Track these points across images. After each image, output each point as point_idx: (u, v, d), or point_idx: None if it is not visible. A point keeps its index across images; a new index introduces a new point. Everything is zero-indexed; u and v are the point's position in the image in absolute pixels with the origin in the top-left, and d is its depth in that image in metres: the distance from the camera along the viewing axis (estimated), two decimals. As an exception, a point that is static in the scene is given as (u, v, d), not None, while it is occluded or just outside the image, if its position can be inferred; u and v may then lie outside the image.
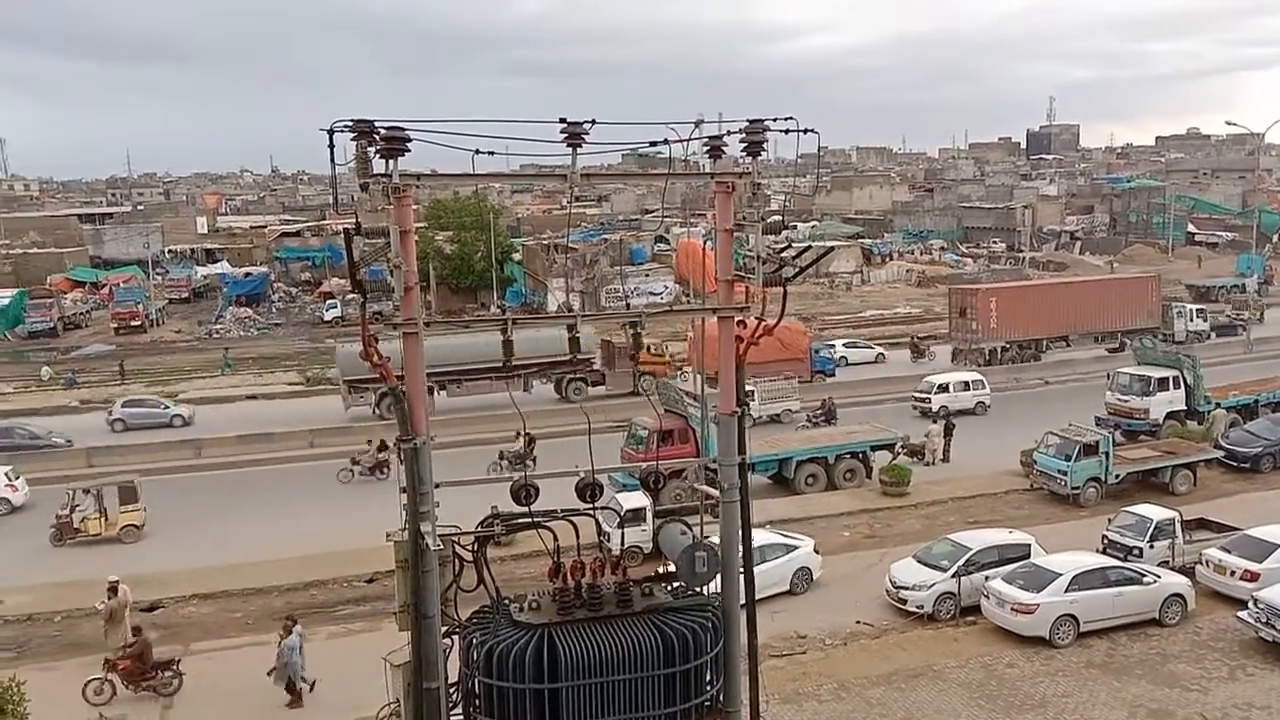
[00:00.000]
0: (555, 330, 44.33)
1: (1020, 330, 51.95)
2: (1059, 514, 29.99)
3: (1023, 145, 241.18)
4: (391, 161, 8.81)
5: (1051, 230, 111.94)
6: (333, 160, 8.62)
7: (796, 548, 24.83)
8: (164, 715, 19.91)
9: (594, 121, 9.04)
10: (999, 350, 51.59)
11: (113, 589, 22.31)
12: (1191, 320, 57.71)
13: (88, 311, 75.38)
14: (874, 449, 34.19)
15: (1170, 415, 37.04)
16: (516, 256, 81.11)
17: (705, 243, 49.23)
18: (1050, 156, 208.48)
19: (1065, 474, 30.43)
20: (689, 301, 56.51)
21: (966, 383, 43.64)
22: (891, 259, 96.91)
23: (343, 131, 8.57)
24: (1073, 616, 21.30)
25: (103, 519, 29.98)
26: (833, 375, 50.67)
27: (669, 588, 9.95)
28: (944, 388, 42.93)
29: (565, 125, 8.98)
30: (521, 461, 29.10)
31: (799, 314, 64.42)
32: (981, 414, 42.29)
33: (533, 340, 44.01)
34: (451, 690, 9.95)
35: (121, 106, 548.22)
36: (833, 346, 55.62)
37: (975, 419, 40.51)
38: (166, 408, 45.75)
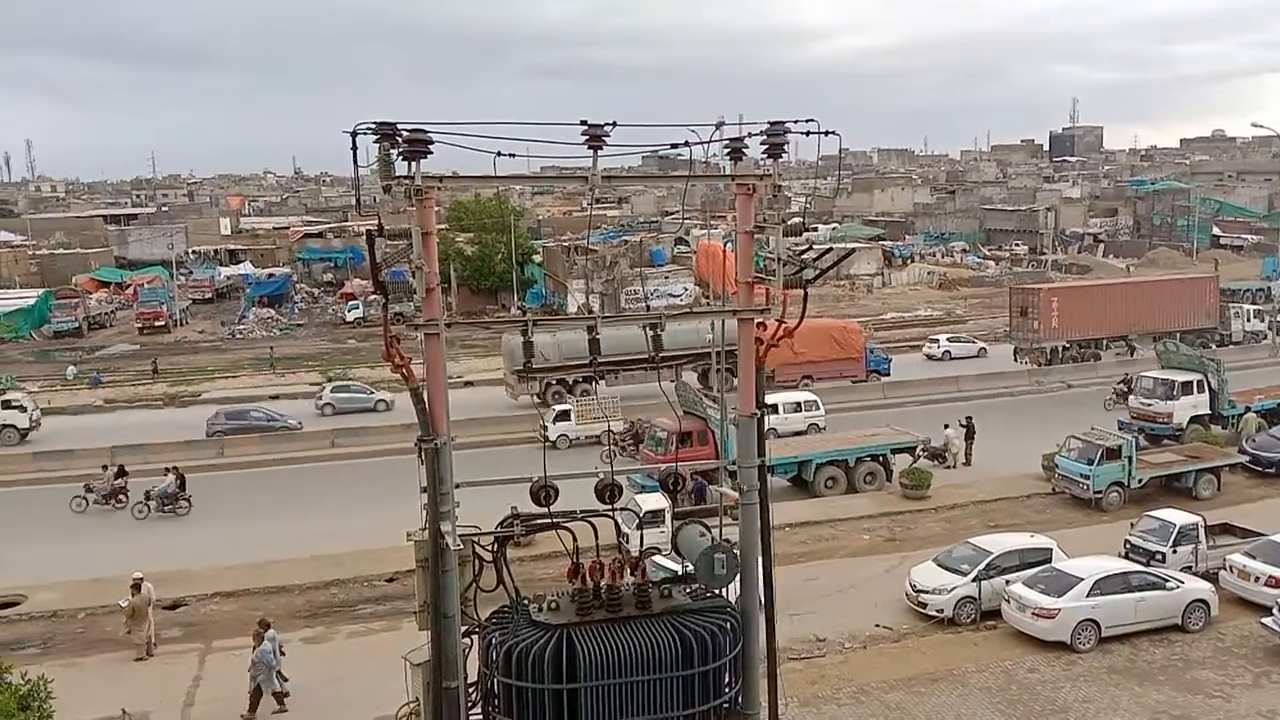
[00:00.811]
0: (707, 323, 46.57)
1: (1080, 330, 52.37)
2: (1081, 518, 29.81)
3: (1046, 147, 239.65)
4: (414, 164, 8.87)
5: (1074, 233, 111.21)
6: (355, 163, 8.68)
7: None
8: (185, 713, 20.06)
9: (615, 123, 9.06)
10: (1059, 349, 52.16)
11: (136, 586, 22.55)
12: (1249, 321, 57.64)
13: (112, 311, 76.09)
14: (894, 452, 34.08)
15: (1194, 419, 36.76)
16: (537, 258, 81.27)
17: (725, 245, 49.33)
18: (1073, 159, 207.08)
19: (1087, 478, 30.24)
20: (709, 303, 56.49)
21: (798, 403, 40.09)
22: (913, 261, 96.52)
23: (366, 134, 8.63)
24: (1094, 621, 21.17)
25: None
26: (887, 375, 50.88)
27: (687, 590, 9.95)
28: (772, 408, 36.24)
29: (586, 127, 9.01)
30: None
31: (818, 316, 64.24)
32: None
33: (690, 332, 45.23)
34: (470, 690, 9.99)
35: (147, 109, 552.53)
36: (936, 340, 57.40)
37: (998, 419, 40.21)
38: (371, 393, 47.23)
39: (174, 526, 30.94)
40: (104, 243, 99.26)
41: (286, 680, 20.11)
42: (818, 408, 40.17)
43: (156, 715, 19.68)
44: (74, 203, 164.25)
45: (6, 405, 43.03)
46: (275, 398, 50.39)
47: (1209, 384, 37.02)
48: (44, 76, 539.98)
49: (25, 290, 77.21)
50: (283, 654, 20.24)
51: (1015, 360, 52.26)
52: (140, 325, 71.05)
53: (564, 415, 38.62)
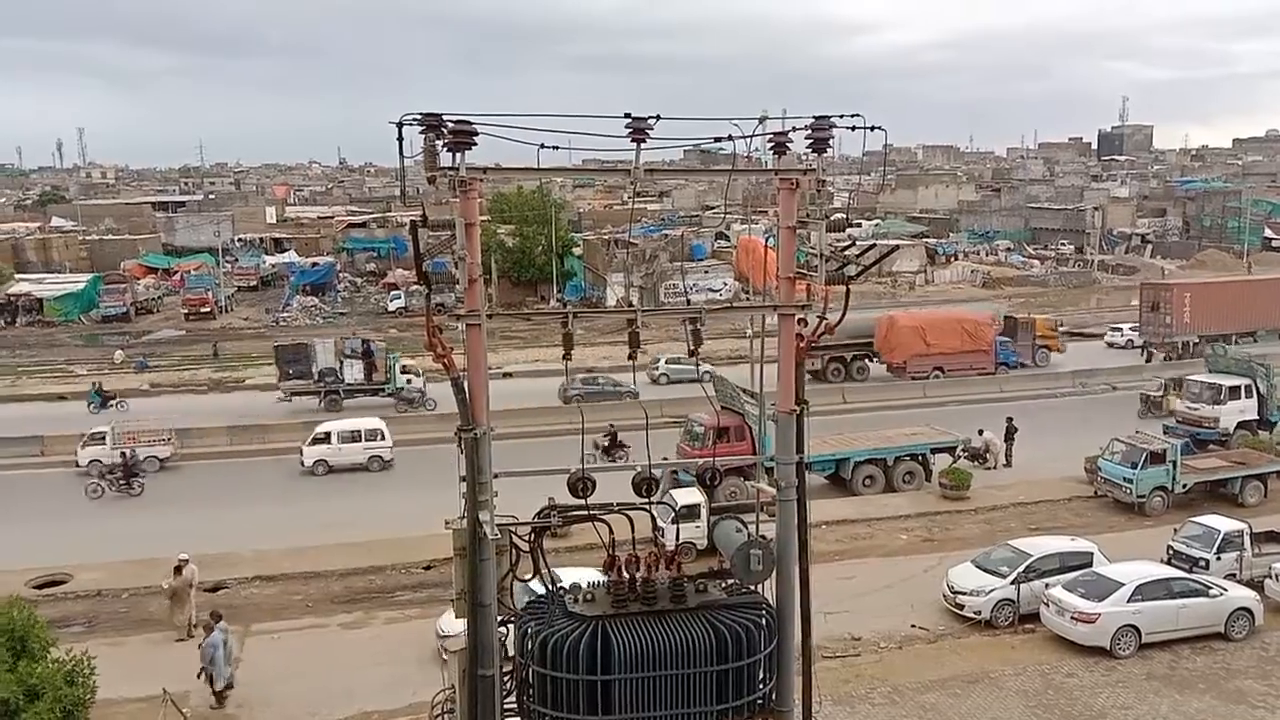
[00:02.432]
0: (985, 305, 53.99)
1: (1211, 325, 53.09)
2: (1123, 523, 29.43)
3: (1094, 146, 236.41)
4: (459, 155, 8.90)
5: (1121, 233, 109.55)
6: (401, 153, 8.72)
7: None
8: (226, 692, 20.35)
9: (658, 117, 9.03)
10: (1189, 344, 52.71)
11: (178, 568, 22.93)
12: None
13: (159, 297, 77.27)
14: (934, 451, 33.82)
15: (1242, 425, 36.10)
16: (577, 251, 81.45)
17: (767, 239, 49.26)
18: (1122, 157, 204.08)
19: (1131, 482, 29.84)
20: (748, 298, 56.31)
21: (355, 432, 36.87)
22: (956, 259, 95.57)
23: (411, 125, 8.67)
24: (1135, 627, 20.91)
25: None
26: (1016, 368, 50.70)
27: (723, 585, 9.94)
28: (322, 438, 36.35)
29: (630, 120, 9.00)
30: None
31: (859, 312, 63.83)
32: (378, 470, 36.08)
33: (862, 321, 49.58)
34: (505, 678, 10.05)
35: (196, 97, 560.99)
36: (1119, 329, 58.80)
37: (1040, 421, 39.70)
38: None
39: (217, 510, 31.36)
40: (152, 229, 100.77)
41: (224, 680, 19.88)
42: (382, 437, 36.67)
43: (196, 695, 20.01)
44: (123, 189, 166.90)
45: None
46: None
47: (1258, 388, 36.36)
48: (97, 63, 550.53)
49: (75, 275, 78.57)
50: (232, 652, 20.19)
51: (1142, 356, 53.57)
52: (186, 311, 72.15)
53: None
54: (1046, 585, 22.36)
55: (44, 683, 13.85)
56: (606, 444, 33.16)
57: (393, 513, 29.26)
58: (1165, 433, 34.01)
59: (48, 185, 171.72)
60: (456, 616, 10.09)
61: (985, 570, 23.43)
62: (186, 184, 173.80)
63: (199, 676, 19.69)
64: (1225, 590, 21.82)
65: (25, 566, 25.96)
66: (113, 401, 45.21)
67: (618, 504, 10.39)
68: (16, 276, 77.05)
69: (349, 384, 44.70)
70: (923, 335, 49.60)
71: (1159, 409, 40.79)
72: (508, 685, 10.06)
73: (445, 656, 10.27)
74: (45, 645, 14.70)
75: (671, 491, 26.56)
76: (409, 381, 45.32)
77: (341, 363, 44.83)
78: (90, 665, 15.26)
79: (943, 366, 49.36)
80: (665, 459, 10.69)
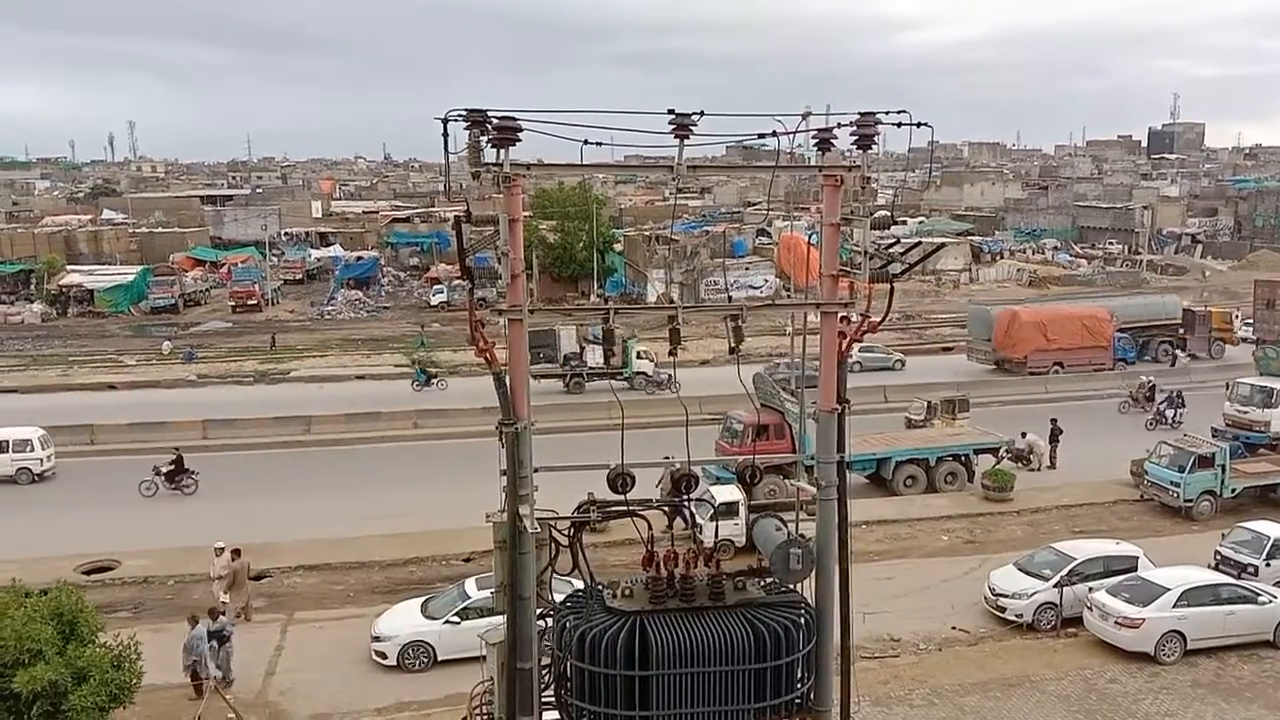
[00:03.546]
0: (1162, 297, 56.65)
1: None
2: (1169, 527, 29.00)
3: (1144, 144, 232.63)
4: (503, 151, 8.95)
5: (1171, 233, 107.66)
6: (446, 149, 8.78)
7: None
8: (266, 681, 20.66)
9: (702, 113, 9.03)
10: None
11: (236, 552, 23.36)
12: None
13: (207, 289, 78.29)
14: (977, 452, 33.49)
15: (1294, 429, 35.35)
16: (618, 247, 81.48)
17: (810, 236, 49.12)
18: (1173, 156, 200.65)
19: (1178, 486, 29.37)
20: (789, 296, 56.10)
21: (2, 443, 34.06)
22: (1002, 258, 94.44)
23: (456, 121, 8.73)
24: (1180, 633, 20.59)
25: None
26: (1133, 364, 51.03)
27: (762, 583, 9.92)
28: None
29: (673, 117, 8.99)
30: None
31: (903, 311, 63.40)
32: (26, 483, 33.76)
33: (1142, 305, 54.53)
34: (544, 672, 10.10)
35: (244, 92, 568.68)
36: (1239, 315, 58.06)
37: (1085, 423, 39.08)
38: (890, 354, 52.38)
39: (260, 499, 31.76)
40: (200, 222, 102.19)
41: (217, 674, 19.89)
42: (34, 448, 34.31)
43: (239, 682, 20.32)
44: (173, 183, 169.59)
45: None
46: (361, 378, 51.50)
47: (1311, 392, 35.56)
48: (149, 59, 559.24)
49: (125, 267, 79.85)
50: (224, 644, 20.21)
51: (1255, 353, 52.07)
52: (233, 304, 72.99)
53: None
54: (1090, 589, 22.08)
55: (92, 666, 14.11)
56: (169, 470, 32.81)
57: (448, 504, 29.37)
58: (1214, 436, 33.39)
59: (99, 178, 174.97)
60: (497, 609, 10.15)
61: (1028, 573, 23.18)
62: (234, 178, 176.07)
63: (184, 671, 19.59)
64: (1275, 597, 21.42)
65: (75, 552, 26.48)
66: (435, 380, 46.76)
67: (657, 500, 10.40)
68: (68, 267, 78.46)
69: (591, 368, 46.74)
70: (1044, 331, 49.94)
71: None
72: (546, 679, 10.11)
73: (484, 650, 10.32)
74: (94, 630, 14.98)
75: (710, 488, 26.52)
76: (653, 366, 47.16)
77: (583, 348, 47.15)
78: (136, 650, 15.52)
79: (1062, 362, 49.55)
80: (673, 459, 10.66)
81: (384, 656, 21.05)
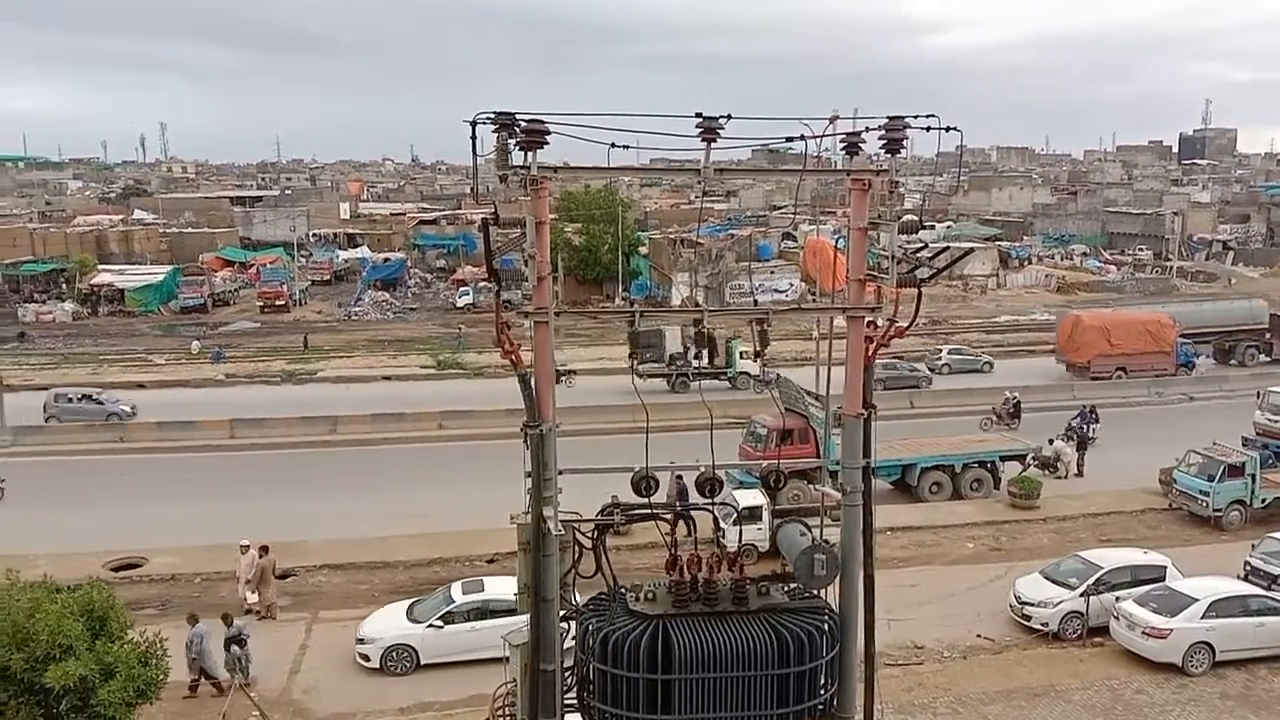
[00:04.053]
0: (1249, 302, 57.41)
1: None
2: (1198, 537, 28.68)
3: (1174, 149, 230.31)
4: (530, 154, 8.97)
5: (1202, 239, 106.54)
6: (474, 151, 8.81)
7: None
8: (291, 679, 20.79)
9: (729, 116, 9.01)
10: None
11: (264, 549, 23.57)
12: None
13: (236, 290, 78.97)
14: (1003, 459, 33.26)
15: (1327, 438, 34.92)
16: (643, 250, 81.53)
17: (837, 241, 49.07)
18: (1204, 161, 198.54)
19: (1207, 495, 29.06)
20: (815, 300, 55.97)
21: None
22: (1030, 263, 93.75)
23: (485, 124, 8.76)
24: (1208, 645, 20.36)
25: None
26: (1193, 369, 51.38)
27: (785, 588, 9.89)
28: None
29: (701, 120, 8.99)
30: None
31: (929, 316, 63.07)
32: None
33: (1220, 311, 55.63)
34: (566, 674, 10.11)
35: (274, 93, 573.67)
36: None
37: (1113, 431, 38.67)
38: (979, 356, 53.85)
39: (286, 499, 31.98)
40: (230, 223, 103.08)
41: (210, 677, 20.03)
42: None
43: (264, 679, 20.47)
44: (203, 184, 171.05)
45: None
46: (387, 379, 51.79)
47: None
48: (180, 61, 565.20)
49: (155, 266, 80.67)
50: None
51: None
52: (261, 304, 73.55)
53: None
54: (1117, 598, 21.89)
55: (120, 662, 14.24)
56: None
57: (472, 505, 29.49)
58: (1244, 445, 32.99)
59: (131, 179, 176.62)
60: (520, 611, 10.17)
61: (1054, 581, 22.99)
62: (264, 179, 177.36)
63: (190, 670, 19.75)
64: (1306, 609, 21.11)
65: (104, 549, 26.76)
66: (564, 378, 46.53)
67: (679, 504, 10.38)
68: (99, 267, 79.35)
69: (695, 368, 46.49)
70: (1107, 335, 50.15)
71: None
72: (568, 681, 10.12)
73: (508, 651, 10.34)
74: (123, 626, 15.12)
75: (734, 493, 26.47)
76: (760, 366, 46.76)
77: (688, 348, 47.27)
78: (163, 647, 15.66)
79: (1125, 367, 49.67)
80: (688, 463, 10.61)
81: (367, 659, 21.05)
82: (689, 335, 46.71)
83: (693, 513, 10.39)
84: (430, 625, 21.09)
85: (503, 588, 22.00)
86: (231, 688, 19.50)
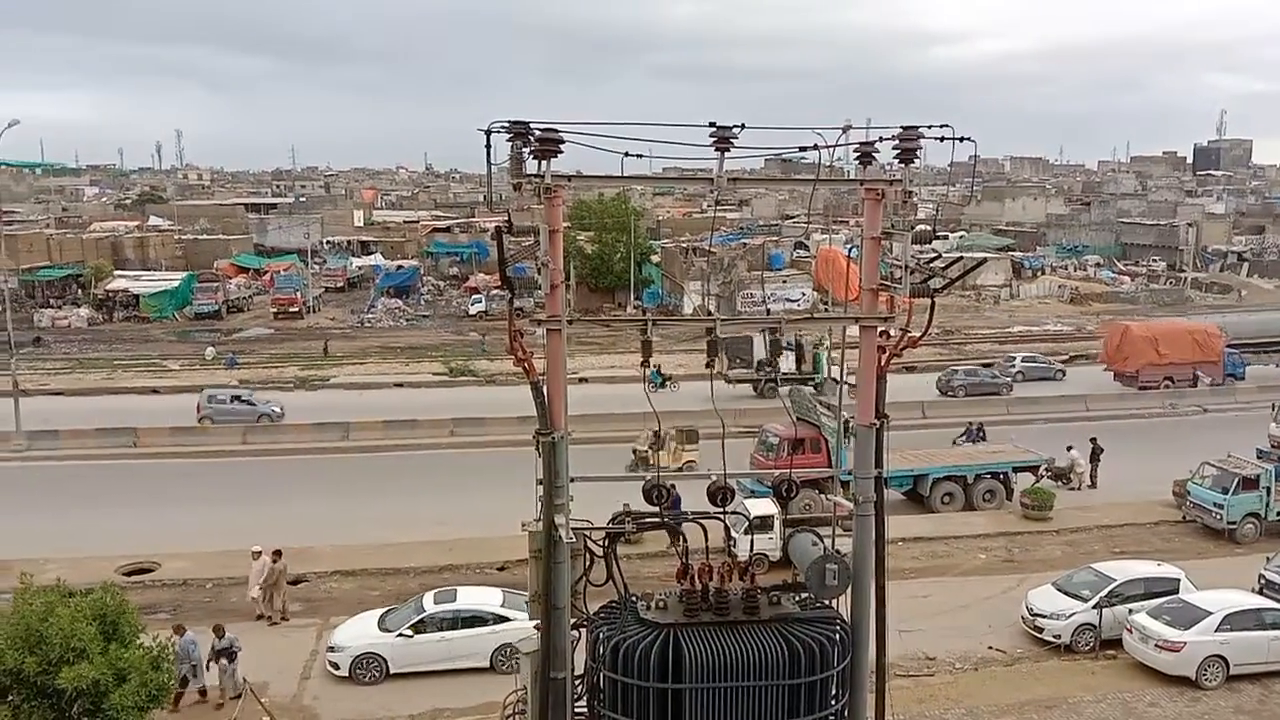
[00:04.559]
0: None
1: None
2: (1212, 549, 28.53)
3: (1189, 160, 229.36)
4: (544, 162, 9.01)
5: (1217, 250, 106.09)
6: (489, 159, 8.85)
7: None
8: (301, 685, 20.83)
9: (743, 126, 9.03)
10: None
11: (277, 554, 23.66)
12: None
13: (250, 296, 79.33)
14: (1016, 470, 33.14)
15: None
16: (655, 258, 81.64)
17: (849, 250, 49.26)
18: (1219, 172, 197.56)
19: (1221, 507, 28.89)
20: (827, 309, 55.92)
21: None
22: (1043, 274, 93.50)
23: (499, 132, 8.80)
24: (1222, 658, 20.22)
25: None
26: (1242, 379, 51.53)
27: (797, 598, 9.86)
28: None
29: (715, 129, 9.00)
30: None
31: (941, 326, 62.95)
32: None
33: (1274, 320, 56.72)
34: (577, 682, 10.10)
35: (289, 101, 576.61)
36: None
37: (1127, 442, 38.48)
38: (1051, 363, 54.19)
39: (298, 504, 32.07)
40: (244, 230, 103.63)
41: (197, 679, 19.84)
42: None
43: (275, 684, 20.52)
44: (218, 191, 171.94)
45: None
46: (400, 385, 51.91)
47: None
48: (195, 68, 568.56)
49: (170, 273, 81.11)
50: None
51: None
52: (275, 310, 73.87)
53: None
54: (1130, 611, 21.76)
55: (132, 667, 14.29)
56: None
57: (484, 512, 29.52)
58: (1259, 457, 32.79)
59: (146, 186, 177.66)
60: (531, 618, 10.18)
61: (1066, 593, 22.88)
62: (278, 186, 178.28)
63: (182, 682, 19.34)
64: (1321, 624, 20.95)
65: (117, 554, 26.87)
66: (669, 382, 47.57)
67: (692, 512, 10.38)
68: (115, 273, 79.84)
69: (784, 374, 47.50)
70: (1155, 345, 50.28)
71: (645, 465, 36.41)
72: (579, 689, 10.11)
73: (518, 658, 10.34)
74: (135, 631, 15.18)
75: (745, 502, 26.43)
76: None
77: (776, 355, 46.63)
78: (173, 651, 15.71)
79: (1173, 376, 49.65)
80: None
81: (336, 667, 20.96)
82: (776, 342, 47.35)
83: (704, 522, 10.39)
84: (400, 635, 21.01)
85: (475, 598, 22.12)
86: (243, 694, 19.53)
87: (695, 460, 34.24)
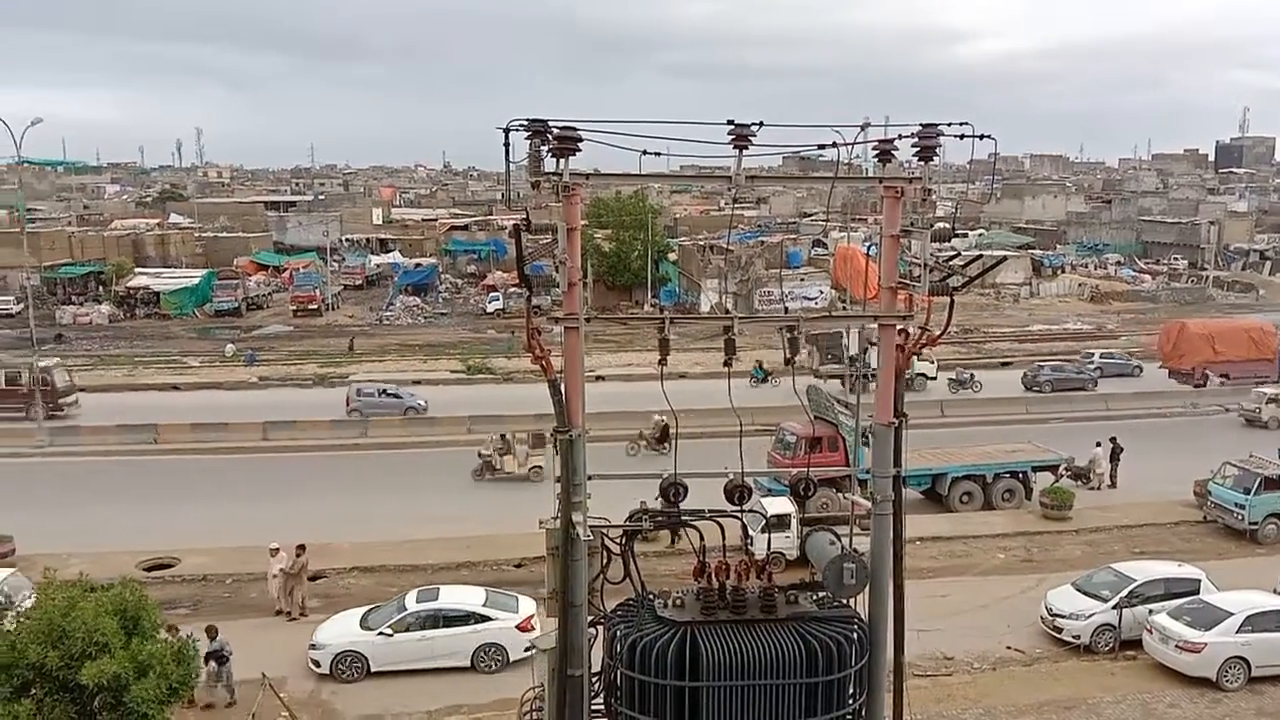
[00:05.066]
0: None
1: None
2: (1233, 550, 28.32)
3: (1211, 157, 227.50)
4: (563, 160, 9.01)
5: (1239, 249, 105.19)
6: (507, 158, 8.86)
7: None
8: (319, 681, 20.91)
9: (761, 123, 9.01)
10: None
11: (300, 548, 23.85)
12: None
13: (269, 294, 79.65)
14: (1035, 469, 32.97)
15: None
16: (672, 256, 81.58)
17: (868, 248, 49.18)
18: (1241, 170, 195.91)
19: (1243, 508, 28.66)
20: (845, 308, 55.80)
21: None
22: (1063, 272, 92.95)
23: (517, 130, 8.80)
24: (1244, 659, 20.07)
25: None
26: None
27: (814, 597, 9.84)
28: None
29: (733, 127, 8.99)
30: None
31: (961, 325, 62.65)
32: None
33: None
34: (594, 679, 10.12)
35: (308, 100, 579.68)
36: None
37: (1148, 442, 38.24)
38: (1129, 359, 54.16)
39: (317, 501, 32.23)
40: (264, 228, 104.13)
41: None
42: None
43: (292, 681, 20.62)
44: (238, 189, 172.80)
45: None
46: (417, 383, 52.03)
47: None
48: (216, 67, 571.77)
49: (191, 270, 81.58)
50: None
51: None
52: (294, 308, 74.17)
53: None
54: (1150, 611, 21.62)
55: (153, 661, 14.38)
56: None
57: (501, 509, 29.60)
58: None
59: (167, 184, 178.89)
60: (549, 616, 10.20)
61: (1086, 593, 22.75)
62: (297, 184, 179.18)
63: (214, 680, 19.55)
64: (1345, 625, 20.74)
65: (138, 549, 27.07)
66: (769, 378, 47.99)
67: (708, 511, 10.38)
68: (136, 270, 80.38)
69: (874, 369, 47.17)
70: (1211, 343, 50.46)
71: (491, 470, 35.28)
72: (596, 687, 10.12)
73: (535, 655, 10.36)
74: (156, 625, 15.28)
75: (762, 500, 26.38)
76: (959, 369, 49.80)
77: (866, 349, 47.55)
78: (195, 647, 15.83)
79: (1229, 373, 49.75)
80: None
81: (317, 665, 20.94)
82: (869, 337, 47.73)
83: (721, 520, 10.38)
84: (381, 633, 21.00)
85: (458, 597, 22.10)
86: (261, 689, 19.62)
87: (543, 465, 33.24)
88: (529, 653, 20.83)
